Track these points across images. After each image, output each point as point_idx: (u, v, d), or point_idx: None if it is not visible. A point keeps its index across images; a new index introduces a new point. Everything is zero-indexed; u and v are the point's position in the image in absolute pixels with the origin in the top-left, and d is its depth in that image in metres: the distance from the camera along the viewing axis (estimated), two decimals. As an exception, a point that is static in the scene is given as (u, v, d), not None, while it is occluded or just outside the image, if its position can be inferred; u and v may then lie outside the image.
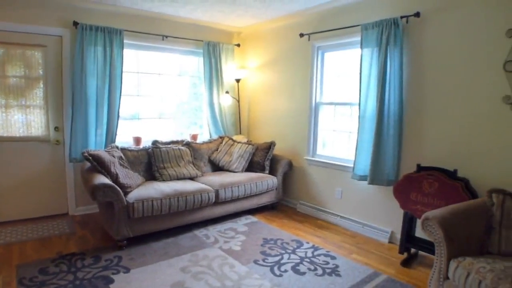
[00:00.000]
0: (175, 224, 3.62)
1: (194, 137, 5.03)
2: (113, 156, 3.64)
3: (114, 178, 3.40)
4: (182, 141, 4.55)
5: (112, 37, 4.10)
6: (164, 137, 4.84)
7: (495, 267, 1.95)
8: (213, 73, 5.03)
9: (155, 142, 4.27)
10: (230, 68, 5.24)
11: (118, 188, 3.21)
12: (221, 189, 3.88)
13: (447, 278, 2.17)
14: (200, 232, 3.73)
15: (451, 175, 2.82)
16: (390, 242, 3.56)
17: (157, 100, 4.92)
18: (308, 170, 4.50)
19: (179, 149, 4.29)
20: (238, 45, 5.37)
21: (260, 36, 5.14)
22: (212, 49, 4.99)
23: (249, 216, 4.26)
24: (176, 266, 2.95)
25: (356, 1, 3.75)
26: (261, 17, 4.66)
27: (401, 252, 3.15)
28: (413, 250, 3.25)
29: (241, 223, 4.04)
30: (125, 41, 4.30)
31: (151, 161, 4.08)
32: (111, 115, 4.20)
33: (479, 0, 2.88)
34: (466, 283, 1.99)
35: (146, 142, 4.56)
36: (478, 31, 2.91)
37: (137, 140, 4.51)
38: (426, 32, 3.23)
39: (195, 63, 5.16)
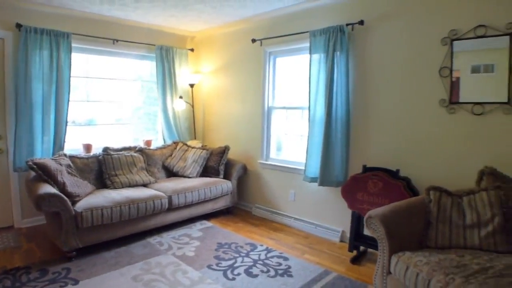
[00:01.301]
0: (127, 232, 3.53)
1: (148, 143, 4.93)
2: (60, 164, 3.50)
3: (62, 187, 3.27)
4: (135, 147, 4.46)
5: (59, 40, 3.94)
6: (121, 143, 4.74)
7: (431, 260, 2.10)
8: (167, 78, 4.98)
9: (106, 149, 4.15)
10: (184, 72, 5.21)
11: (65, 197, 3.10)
12: (174, 195, 3.84)
13: (390, 272, 2.31)
14: (153, 240, 3.67)
15: (394, 174, 3.01)
16: (341, 241, 3.70)
17: (113, 105, 4.80)
18: (262, 173, 4.58)
19: (131, 155, 4.20)
20: (192, 49, 5.36)
21: (214, 41, 5.17)
22: (165, 53, 4.94)
23: (204, 221, 4.24)
24: (128, 275, 2.88)
25: (305, 9, 3.90)
26: (214, 22, 4.69)
27: (350, 250, 3.29)
28: (362, 248, 3.40)
29: (196, 228, 4.02)
30: (73, 44, 4.16)
31: (102, 169, 3.96)
32: (58, 122, 4.03)
33: (417, 10, 3.12)
34: (406, 277, 2.13)
35: (101, 149, 4.43)
36: (416, 39, 3.13)
37: (87, 147, 4.35)
38: (370, 39, 3.43)
39: (149, 68, 5.07)
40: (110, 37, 4.52)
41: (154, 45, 4.88)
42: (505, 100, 2.70)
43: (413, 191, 2.93)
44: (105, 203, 3.31)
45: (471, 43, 2.84)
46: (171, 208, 3.86)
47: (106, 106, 4.75)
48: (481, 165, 2.79)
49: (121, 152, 4.20)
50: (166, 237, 3.73)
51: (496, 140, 2.76)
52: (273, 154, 4.56)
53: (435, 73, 3.03)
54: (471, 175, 2.80)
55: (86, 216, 3.15)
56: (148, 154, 4.48)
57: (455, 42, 2.92)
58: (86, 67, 4.52)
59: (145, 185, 4.09)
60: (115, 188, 3.85)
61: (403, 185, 2.85)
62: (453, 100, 2.93)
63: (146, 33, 4.88)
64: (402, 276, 2.14)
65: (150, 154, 4.51)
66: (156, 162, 4.54)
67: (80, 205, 3.18)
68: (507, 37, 2.68)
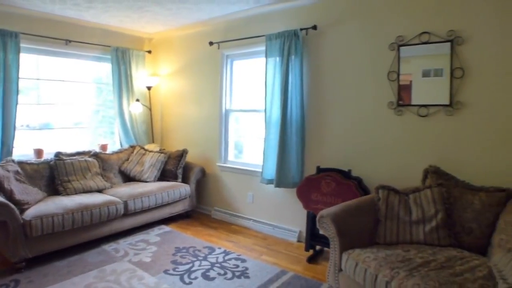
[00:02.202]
0: (81, 240, 3.40)
1: (104, 147, 4.78)
2: (8, 171, 3.33)
3: (8, 194, 3.11)
4: (90, 151, 4.31)
5: (6, 40, 3.74)
6: (80, 148, 4.57)
7: (378, 256, 2.19)
8: (123, 80, 4.85)
9: (58, 154, 3.97)
10: (141, 75, 5.10)
11: (12, 206, 2.94)
12: (130, 200, 3.74)
13: (341, 270, 2.38)
14: (109, 247, 3.55)
15: (346, 175, 3.11)
16: (298, 241, 3.77)
17: (70, 108, 4.61)
18: (221, 176, 4.56)
19: (85, 160, 4.05)
20: (150, 51, 5.25)
21: (172, 43, 5.11)
22: (121, 55, 4.81)
23: (163, 226, 4.17)
24: (80, 284, 2.77)
25: (260, 13, 3.95)
26: (171, 24, 4.64)
27: (307, 249, 3.36)
28: (319, 247, 3.48)
29: (154, 233, 3.93)
30: (23, 45, 3.95)
31: (54, 175, 3.79)
32: (6, 126, 3.81)
33: (367, 17, 3.26)
34: (355, 273, 2.20)
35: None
36: (366, 44, 3.27)
37: (39, 152, 4.15)
38: (323, 43, 3.53)
39: (106, 70, 4.92)
40: (63, 37, 4.34)
41: (110, 46, 4.75)
42: (447, 102, 2.87)
43: (365, 190, 3.04)
44: (56, 210, 3.16)
45: (416, 49, 3.00)
46: (127, 213, 3.75)
47: (62, 109, 4.56)
48: (426, 164, 2.94)
49: (74, 157, 4.04)
50: (123, 244, 3.63)
51: (439, 140, 2.93)
52: (231, 156, 4.57)
53: (383, 77, 3.17)
54: (418, 173, 2.95)
55: (36, 225, 3.00)
56: (103, 158, 4.34)
57: (401, 48, 3.07)
58: (37, 68, 4.31)
59: (100, 190, 3.95)
60: (68, 194, 3.70)
61: (354, 184, 2.96)
62: (406, 103, 3.07)
63: (101, 34, 4.73)
64: (352, 272, 2.22)
65: (106, 159, 4.37)
66: (112, 167, 4.41)
67: (29, 213, 3.03)
68: (449, 44, 2.85)
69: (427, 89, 2.97)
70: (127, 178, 4.48)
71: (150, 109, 5.27)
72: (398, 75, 3.09)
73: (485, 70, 2.72)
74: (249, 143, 4.46)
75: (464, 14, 2.78)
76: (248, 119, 4.44)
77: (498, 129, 2.68)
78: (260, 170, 3.93)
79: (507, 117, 2.64)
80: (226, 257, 3.33)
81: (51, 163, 3.84)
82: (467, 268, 2.02)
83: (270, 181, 3.75)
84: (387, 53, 3.15)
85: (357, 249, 2.30)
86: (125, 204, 3.71)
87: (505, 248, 2.07)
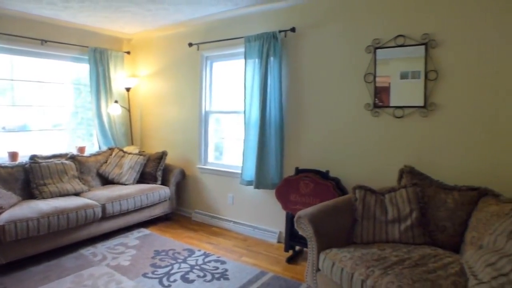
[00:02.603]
0: (57, 244, 3.32)
1: (82, 149, 4.68)
2: (-21, 175, 3.22)
3: (-20, 199, 3.00)
4: (66, 154, 4.21)
5: (-22, 39, 3.63)
6: (58, 150, 4.47)
7: (355, 255, 2.22)
8: (101, 81, 4.77)
9: (33, 157, 3.86)
10: (120, 76, 5.03)
11: (-17, 210, 2.84)
12: (108, 203, 3.68)
13: (319, 269, 2.40)
14: (87, 251, 3.48)
15: (324, 175, 3.14)
16: (279, 242, 3.78)
17: (48, 110, 4.51)
18: (201, 178, 4.54)
19: (62, 163, 3.96)
20: (128, 52, 5.18)
21: (151, 44, 5.06)
22: (99, 56, 4.73)
23: (142, 229, 4.11)
24: (56, 290, 2.71)
25: (240, 14, 3.96)
26: (150, 24, 4.59)
27: (286, 250, 3.38)
28: (298, 248, 3.50)
29: (133, 237, 3.88)
30: (-4, 44, 3.85)
31: (29, 178, 3.68)
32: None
33: (344, 20, 3.31)
34: (332, 272, 2.22)
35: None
36: (344, 47, 3.32)
37: (13, 155, 4.04)
38: (301, 45, 3.57)
39: (85, 71, 4.82)
40: (38, 37, 4.24)
41: (87, 47, 4.66)
42: (422, 104, 2.95)
43: (342, 191, 3.08)
44: (31, 215, 3.08)
45: (392, 52, 3.07)
46: (105, 217, 3.69)
47: (39, 111, 4.45)
48: (402, 164, 3.00)
49: (50, 160, 3.94)
50: (101, 248, 3.56)
51: (414, 141, 3.00)
52: (211, 158, 4.56)
53: (360, 79, 3.23)
54: (394, 173, 3.01)
55: (9, 229, 2.91)
56: (80, 161, 4.25)
57: (378, 50, 3.13)
58: (11, 69, 4.19)
59: (77, 194, 3.87)
60: (43, 198, 3.60)
61: (332, 185, 2.99)
62: (385, 104, 3.11)
63: (78, 34, 4.64)
64: (329, 272, 2.24)
65: (83, 162, 4.28)
66: (90, 170, 4.32)
67: (3, 218, 2.94)
68: (423, 47, 2.93)
69: (404, 91, 3.03)
70: (106, 181, 4.41)
71: (129, 111, 5.20)
72: (375, 77, 3.15)
73: (457, 72, 2.80)
74: (229, 144, 4.46)
75: (437, 18, 2.86)
76: (228, 120, 4.44)
77: (469, 129, 2.76)
78: (240, 171, 3.93)
79: (478, 118, 2.73)
80: (206, 259, 3.31)
81: (26, 166, 3.74)
82: (440, 265, 2.07)
83: (249, 183, 3.76)
84: (364, 55, 3.20)
85: (334, 249, 2.33)
86: (103, 207, 3.65)
87: (477, 245, 2.14)
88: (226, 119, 4.46)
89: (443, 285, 1.84)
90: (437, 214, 2.50)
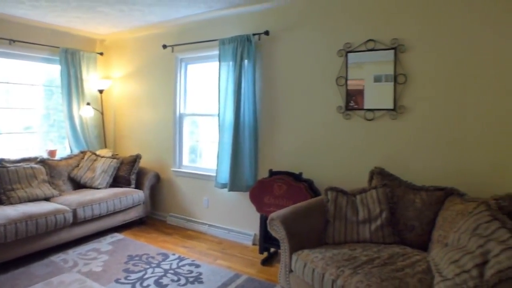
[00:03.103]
0: (26, 251, 3.21)
1: (52, 153, 4.55)
2: None
3: None
4: (36, 158, 4.09)
5: None
6: (29, 153, 4.34)
7: (326, 256, 2.25)
8: (72, 83, 4.66)
9: (1, 161, 3.73)
10: (93, 77, 4.92)
11: None
12: (79, 208, 3.59)
13: (292, 271, 2.42)
14: (57, 257, 3.38)
15: (297, 177, 3.17)
16: (254, 244, 3.78)
17: (18, 112, 4.35)
18: (176, 181, 4.50)
19: (31, 167, 3.84)
20: (101, 53, 5.08)
21: (125, 45, 4.98)
22: (71, 57, 4.62)
23: (116, 234, 4.03)
24: (23, 299, 2.62)
25: (214, 17, 3.96)
26: (124, 25, 4.53)
27: (261, 252, 3.39)
28: (273, 249, 3.52)
29: (106, 242, 3.79)
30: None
31: (-5, 183, 3.56)
32: None
33: (317, 24, 3.36)
34: (304, 273, 2.25)
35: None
36: (316, 50, 3.37)
37: (-21, 160, 3.88)
38: (275, 49, 3.60)
39: (56, 72, 4.68)
40: (5, 36, 4.10)
41: (59, 47, 4.54)
42: (392, 107, 3.03)
43: (315, 192, 3.12)
44: (-4, 221, 2.97)
45: (363, 55, 3.14)
46: (77, 222, 3.59)
47: (9, 113, 4.29)
48: (373, 165, 3.07)
49: (19, 164, 3.82)
50: (72, 254, 3.47)
51: (384, 143, 3.08)
52: (186, 161, 4.52)
53: (333, 82, 3.29)
54: (365, 174, 3.08)
55: (-27, 237, 2.80)
56: (51, 165, 4.13)
57: (349, 54, 3.20)
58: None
59: (47, 199, 3.76)
60: (11, 203, 3.48)
61: (305, 187, 3.03)
62: (360, 107, 3.16)
63: (48, 34, 4.51)
64: (301, 273, 2.26)
65: (54, 165, 4.16)
66: (61, 174, 4.21)
67: (-34, 225, 2.83)
68: (392, 51, 3.01)
69: (377, 93, 3.10)
70: (78, 185, 4.30)
71: (102, 113, 5.09)
72: (346, 80, 3.21)
73: (425, 76, 2.90)
74: (204, 147, 4.44)
75: (406, 24, 2.95)
76: (204, 123, 4.42)
77: (437, 131, 2.86)
78: (215, 174, 3.92)
79: (444, 119, 2.83)
80: (180, 263, 3.28)
81: (-7, 170, 3.61)
82: (408, 264, 2.13)
83: (224, 185, 3.75)
84: (336, 59, 3.26)
85: (306, 250, 2.36)
86: (74, 212, 3.55)
87: (443, 243, 2.21)
88: (202, 121, 4.44)
89: (410, 283, 1.90)
90: (406, 213, 2.57)
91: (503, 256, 1.55)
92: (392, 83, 3.02)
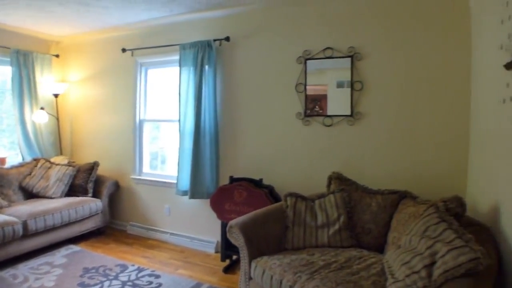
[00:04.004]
0: (-31, 268, 2.99)
1: (2, 160, 4.29)
2: None
3: None
4: (-17, 166, 3.83)
5: None
6: None
7: (284, 262, 2.25)
8: (25, 86, 4.42)
9: None
10: (47, 81, 4.69)
11: None
12: (30, 220, 3.38)
13: (251, 278, 2.40)
14: (6, 273, 3.17)
15: (258, 183, 3.18)
16: (216, 251, 3.73)
17: None
18: (136, 189, 4.37)
19: (-23, 176, 3.59)
20: (57, 55, 4.86)
21: (83, 47, 4.79)
22: (23, 58, 4.39)
23: (71, 246, 3.84)
24: (-36, 320, 2.43)
25: (175, 22, 3.90)
26: (81, 27, 4.36)
27: (223, 260, 3.35)
28: (235, 257, 3.48)
29: (60, 254, 3.61)
30: None
31: None
32: None
33: (276, 31, 3.41)
34: (263, 280, 2.24)
35: None
36: (276, 57, 3.41)
37: None
38: (236, 55, 3.61)
39: (7, 73, 4.42)
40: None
41: (9, 48, 4.29)
42: (349, 113, 3.10)
43: (276, 198, 3.13)
44: None
45: (322, 63, 3.20)
46: (28, 234, 3.38)
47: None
48: (332, 170, 3.11)
49: (-38, 173, 3.56)
50: (22, 268, 3.26)
51: (342, 148, 3.15)
52: (146, 168, 4.41)
53: (292, 89, 3.33)
54: (324, 180, 3.11)
55: None
56: (0, 173, 3.89)
57: (308, 61, 3.25)
58: None
59: (-5, 210, 3.53)
60: (-47, 216, 3.23)
61: (265, 193, 3.03)
62: (324, 113, 3.20)
63: (-2, 34, 4.26)
64: (260, 279, 2.25)
65: (3, 174, 3.92)
66: (11, 183, 3.97)
67: None
68: (349, 59, 3.09)
69: (340, 99, 3.15)
70: (30, 195, 4.06)
71: (58, 119, 4.85)
72: (305, 86, 3.26)
73: (379, 83, 3.01)
74: (166, 153, 4.35)
75: (361, 33, 3.06)
76: (165, 129, 4.33)
77: (391, 136, 2.97)
78: (176, 181, 3.84)
79: (397, 125, 2.95)
80: (139, 274, 3.18)
81: None
82: (363, 267, 2.17)
83: (185, 193, 3.69)
84: (295, 66, 3.31)
85: (265, 257, 2.35)
86: (25, 224, 3.34)
87: (396, 245, 2.27)
88: (164, 127, 4.35)
89: (364, 286, 1.93)
90: (363, 217, 2.63)
91: (449, 256, 1.61)
92: (349, 90, 3.10)
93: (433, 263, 1.70)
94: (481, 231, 2.01)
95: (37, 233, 3.49)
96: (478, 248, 1.55)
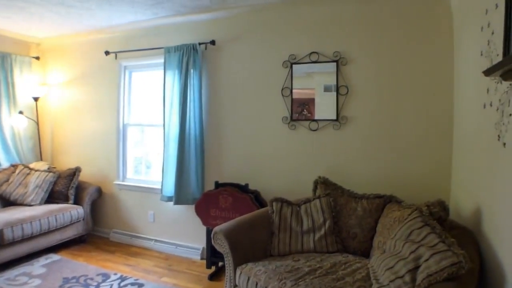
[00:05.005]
0: None
1: (-22, 167, 4.15)
2: None
3: None
4: (-43, 173, 3.69)
5: None
6: None
7: (269, 268, 2.22)
8: (2, 88, 4.31)
9: None
10: (27, 84, 4.56)
11: None
12: (7, 228, 3.26)
13: (236, 285, 2.36)
14: (-19, 284, 3.04)
15: (243, 189, 3.14)
16: (202, 258, 3.67)
17: None
18: (119, 195, 4.27)
19: (-49, 183, 3.45)
20: (38, 58, 4.74)
21: (65, 49, 4.67)
22: (1, 60, 4.27)
23: (51, 255, 3.71)
24: None
25: (159, 25, 3.85)
26: (62, 29, 4.26)
27: (208, 267, 3.30)
28: (221, 263, 3.43)
29: (39, 264, 3.48)
30: None
31: None
32: None
33: (262, 35, 3.42)
34: (248, 287, 2.20)
35: None
36: (262, 61, 3.41)
37: None
38: (221, 59, 3.59)
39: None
40: None
41: (-14, 49, 4.18)
42: (335, 117, 3.11)
43: (261, 203, 3.10)
44: None
45: (308, 67, 3.21)
46: (3, 244, 3.24)
47: None
48: (318, 175, 3.10)
49: None
50: (-1, 279, 3.14)
51: (328, 153, 3.15)
52: (130, 174, 4.33)
53: (278, 93, 3.32)
54: (310, 184, 3.10)
55: None
56: (-24, 180, 3.76)
57: (294, 65, 3.25)
58: None
59: (-31, 219, 3.39)
60: None
61: (250, 198, 3.00)
62: (312, 117, 3.20)
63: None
64: (245, 287, 2.22)
65: (-21, 181, 3.79)
66: (-13, 190, 3.84)
67: None
68: (335, 63, 3.11)
69: (326, 103, 3.15)
70: (7, 202, 3.92)
71: (38, 123, 4.72)
72: (291, 91, 3.26)
73: (364, 88, 3.03)
74: (150, 159, 4.27)
75: (346, 38, 3.09)
76: (149, 134, 4.26)
77: (375, 141, 2.99)
78: (160, 187, 3.77)
79: (381, 129, 2.97)
80: (122, 283, 3.09)
81: None
82: (349, 272, 2.16)
83: (170, 198, 3.62)
84: (281, 70, 3.31)
85: (250, 263, 2.32)
86: (1, 233, 3.21)
87: (381, 249, 2.27)
88: (148, 132, 4.27)
89: (349, 292, 1.92)
90: (349, 222, 2.63)
91: (432, 261, 1.62)
92: (335, 94, 3.11)
93: (417, 268, 1.70)
94: (464, 235, 2.02)
95: (14, 242, 3.36)
96: (461, 252, 1.56)
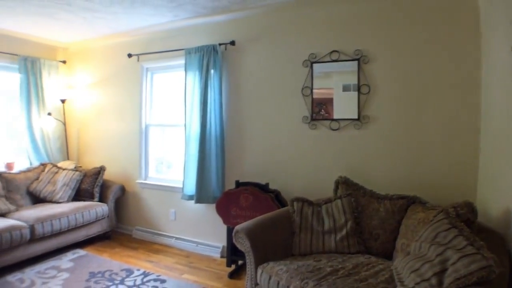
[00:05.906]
0: (-23, 272, 3.00)
1: (10, 165, 4.32)
2: None
3: None
4: (-9, 171, 3.86)
5: None
6: None
7: (290, 268, 2.22)
8: (32, 92, 4.46)
9: (-49, 174, 3.50)
10: (54, 87, 4.73)
11: None
12: (37, 224, 3.39)
13: (257, 284, 2.37)
14: (13, 277, 3.17)
15: (264, 188, 3.14)
16: (222, 256, 3.70)
17: None
18: (141, 194, 4.37)
19: (-15, 181, 3.62)
20: (64, 61, 4.90)
21: (89, 53, 4.82)
22: (31, 65, 4.43)
23: (78, 250, 3.84)
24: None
25: (180, 27, 3.91)
26: (88, 33, 4.39)
27: (228, 265, 3.32)
28: (241, 262, 3.45)
29: (67, 259, 3.61)
30: None
31: None
32: None
33: (282, 35, 3.41)
34: (269, 286, 2.21)
35: None
36: (282, 61, 3.40)
37: None
38: (242, 59, 3.60)
39: (15, 80, 4.46)
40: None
41: (17, 55, 4.34)
42: (356, 117, 3.07)
43: (282, 203, 3.10)
44: None
45: (328, 66, 3.18)
46: (35, 239, 3.39)
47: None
48: (338, 174, 3.07)
49: (-29, 178, 3.59)
50: (29, 273, 3.26)
51: (349, 152, 3.11)
52: (152, 173, 4.41)
53: (298, 93, 3.30)
54: (331, 184, 3.07)
55: None
56: (8, 178, 3.91)
57: (314, 65, 3.23)
58: None
59: (3, 214, 3.53)
60: (-39, 220, 3.25)
61: (271, 197, 3.00)
62: (330, 117, 3.17)
63: (7, 41, 4.29)
64: (266, 286, 2.22)
65: (11, 179, 3.95)
66: (19, 188, 3.99)
67: None
68: (356, 62, 3.06)
69: (346, 102, 3.12)
70: (37, 199, 4.08)
71: (65, 124, 4.88)
72: (312, 90, 3.24)
73: (387, 86, 2.97)
74: (172, 158, 4.34)
75: (368, 36, 3.03)
76: (170, 134, 4.33)
77: (398, 140, 2.93)
78: (182, 186, 3.82)
79: (404, 129, 2.90)
80: (145, 279, 3.16)
81: None
82: (371, 273, 2.13)
83: (191, 197, 3.67)
84: (301, 69, 3.29)
85: (272, 262, 2.32)
86: (32, 228, 3.35)
87: (405, 252, 2.23)
88: (170, 132, 4.34)
89: (372, 293, 1.89)
90: (371, 223, 2.59)
91: (460, 264, 1.57)
92: (356, 93, 3.07)
93: (443, 271, 1.65)
94: (492, 238, 1.96)
95: (44, 237, 3.50)
96: (491, 256, 1.51)
